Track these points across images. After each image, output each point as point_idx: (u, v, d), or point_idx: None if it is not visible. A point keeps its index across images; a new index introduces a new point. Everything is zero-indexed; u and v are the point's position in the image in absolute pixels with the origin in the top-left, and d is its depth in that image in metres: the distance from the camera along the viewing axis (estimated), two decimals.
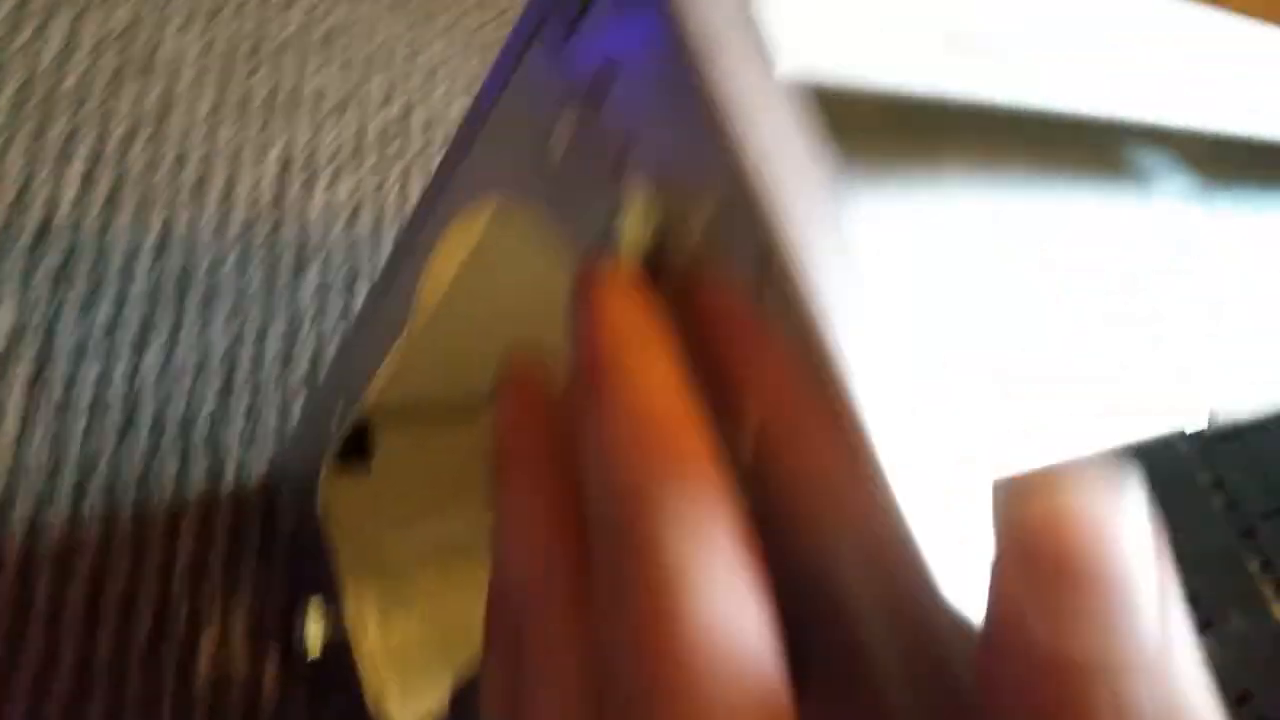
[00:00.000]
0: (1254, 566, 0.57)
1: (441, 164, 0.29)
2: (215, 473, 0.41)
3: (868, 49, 0.23)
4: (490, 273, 0.31)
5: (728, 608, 0.16)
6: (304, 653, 0.38)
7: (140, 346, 0.41)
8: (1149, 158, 0.34)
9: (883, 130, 0.26)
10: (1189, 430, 0.27)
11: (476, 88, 0.54)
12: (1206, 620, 0.58)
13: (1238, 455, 0.59)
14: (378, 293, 0.33)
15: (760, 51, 0.21)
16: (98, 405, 0.40)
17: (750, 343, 0.19)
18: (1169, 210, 0.33)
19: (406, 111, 0.54)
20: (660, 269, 0.21)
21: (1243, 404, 0.29)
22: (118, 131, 0.45)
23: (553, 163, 0.24)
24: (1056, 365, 0.26)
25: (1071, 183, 0.31)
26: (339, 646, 0.37)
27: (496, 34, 0.60)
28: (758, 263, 0.19)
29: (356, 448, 0.38)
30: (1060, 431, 0.24)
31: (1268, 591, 0.56)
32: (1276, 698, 0.56)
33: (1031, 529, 0.14)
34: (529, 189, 0.25)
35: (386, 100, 0.53)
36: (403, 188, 0.51)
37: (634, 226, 0.21)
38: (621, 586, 0.16)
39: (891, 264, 0.24)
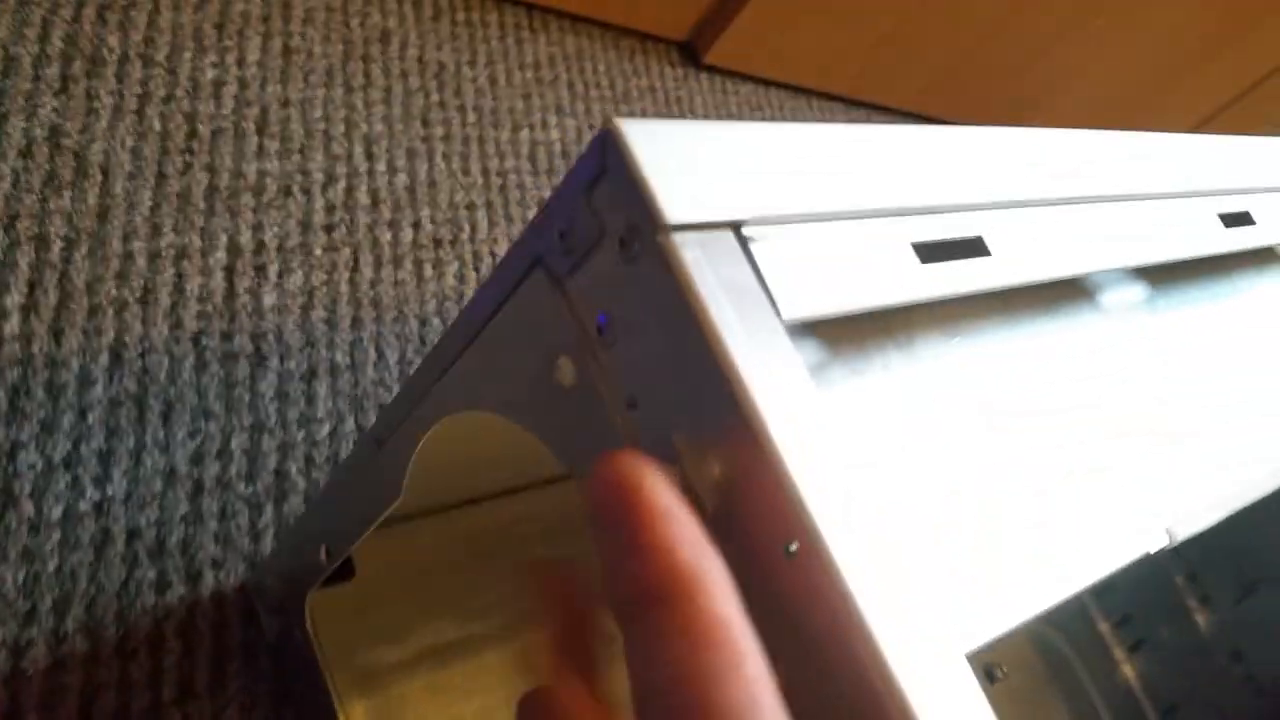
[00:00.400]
0: (1181, 580, 0.60)
1: (426, 364, 0.29)
2: (193, 578, 0.41)
3: (853, 277, 0.24)
4: (472, 427, 0.31)
5: None
6: None
7: (104, 466, 0.41)
8: (1096, 276, 0.36)
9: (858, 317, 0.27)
10: (1153, 550, 0.30)
11: (417, 158, 0.55)
12: (1140, 639, 0.61)
13: None
14: (360, 465, 0.33)
15: (763, 304, 0.22)
16: (69, 523, 0.40)
17: (775, 587, 0.20)
18: (1121, 321, 0.36)
19: (350, 190, 0.53)
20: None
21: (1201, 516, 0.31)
22: (57, 245, 0.44)
23: (555, 395, 0.24)
24: (1028, 501, 0.28)
25: (1033, 309, 0.33)
26: None
27: (433, 99, 0.59)
28: (779, 521, 0.20)
29: (339, 572, 0.39)
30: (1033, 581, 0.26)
31: (1192, 602, 0.60)
32: (1199, 708, 0.61)
33: None
34: (527, 411, 0.26)
35: (329, 180, 0.53)
36: (353, 274, 0.51)
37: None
38: None
39: (883, 439, 0.26)
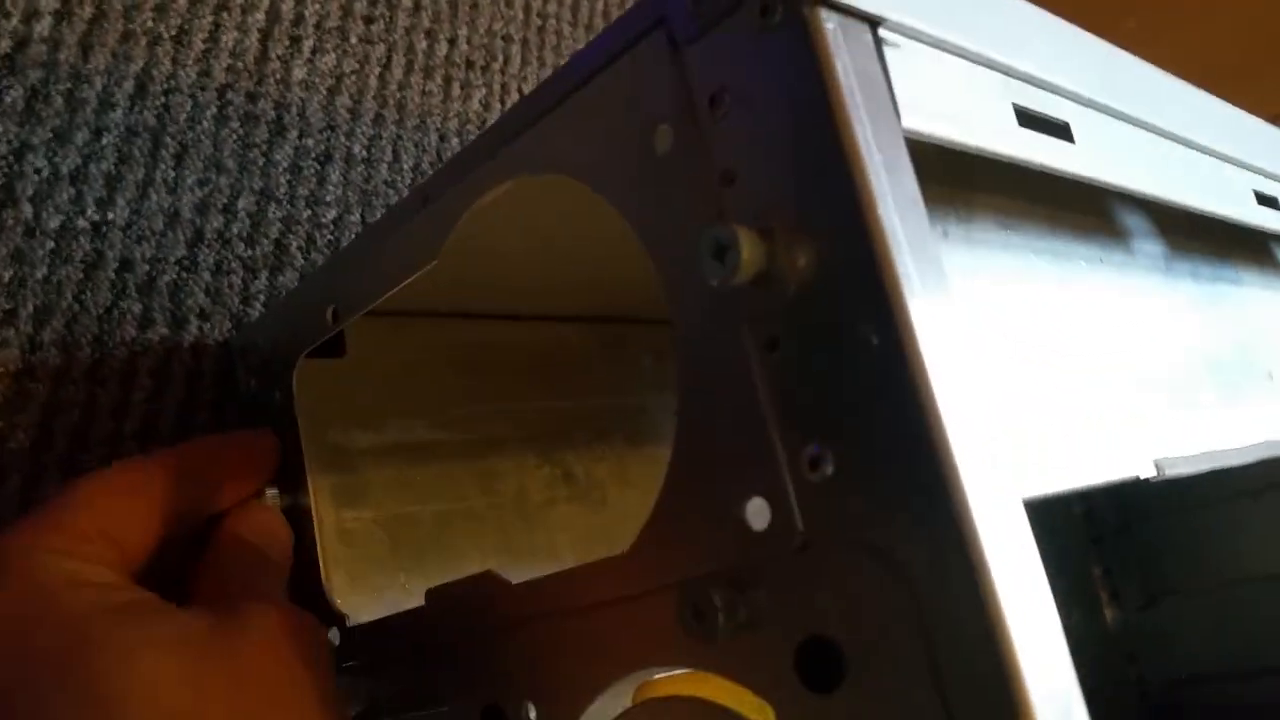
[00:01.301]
0: (1097, 572, 0.63)
1: (500, 125, 0.28)
2: (178, 323, 0.40)
3: (962, 111, 0.25)
4: (511, 209, 0.31)
5: None
6: None
7: (110, 191, 0.40)
8: (1131, 219, 0.37)
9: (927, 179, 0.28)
10: (1143, 476, 0.31)
11: None
12: None
13: None
14: (397, 220, 0.32)
15: (886, 105, 0.22)
16: (65, 236, 0.38)
17: (849, 374, 0.20)
18: (1139, 272, 0.37)
19: None
20: (765, 286, 0.22)
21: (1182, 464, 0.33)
22: None
23: (649, 164, 0.24)
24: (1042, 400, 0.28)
25: (1072, 237, 0.34)
26: (292, 514, 0.38)
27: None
28: (868, 307, 0.20)
29: (331, 348, 0.38)
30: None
31: (1104, 596, 0.62)
32: (1090, 696, 0.63)
33: None
34: (611, 179, 0.25)
35: None
36: (384, 71, 0.50)
37: (749, 246, 0.21)
38: None
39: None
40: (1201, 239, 0.42)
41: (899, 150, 0.22)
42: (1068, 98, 0.29)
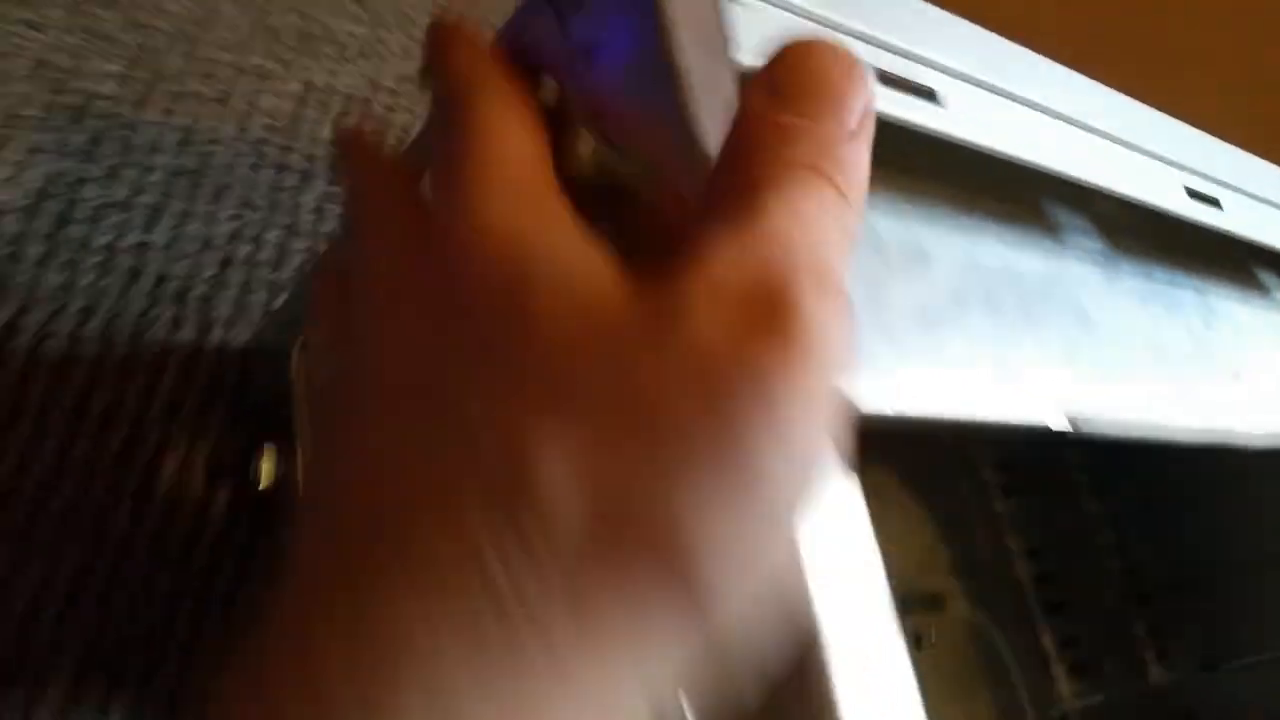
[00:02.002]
0: (1140, 629, 0.61)
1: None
2: (204, 329, 0.46)
3: None
4: None
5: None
6: (256, 483, 0.42)
7: (153, 218, 0.46)
8: (1063, 215, 0.39)
9: None
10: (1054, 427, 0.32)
11: None
12: (1083, 665, 0.61)
13: (1144, 525, 0.62)
14: None
15: (720, 49, 0.26)
16: (111, 252, 0.44)
17: None
18: (1074, 265, 0.39)
19: None
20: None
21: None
22: (159, 36, 0.50)
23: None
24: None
25: (987, 223, 0.36)
26: (288, 486, 0.42)
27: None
28: None
29: None
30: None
31: (1148, 655, 0.61)
32: None
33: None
34: None
35: (404, 55, 0.59)
36: (404, 138, 0.56)
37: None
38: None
39: None
40: (1150, 244, 0.43)
41: (726, 79, 0.25)
42: (937, 70, 0.32)
